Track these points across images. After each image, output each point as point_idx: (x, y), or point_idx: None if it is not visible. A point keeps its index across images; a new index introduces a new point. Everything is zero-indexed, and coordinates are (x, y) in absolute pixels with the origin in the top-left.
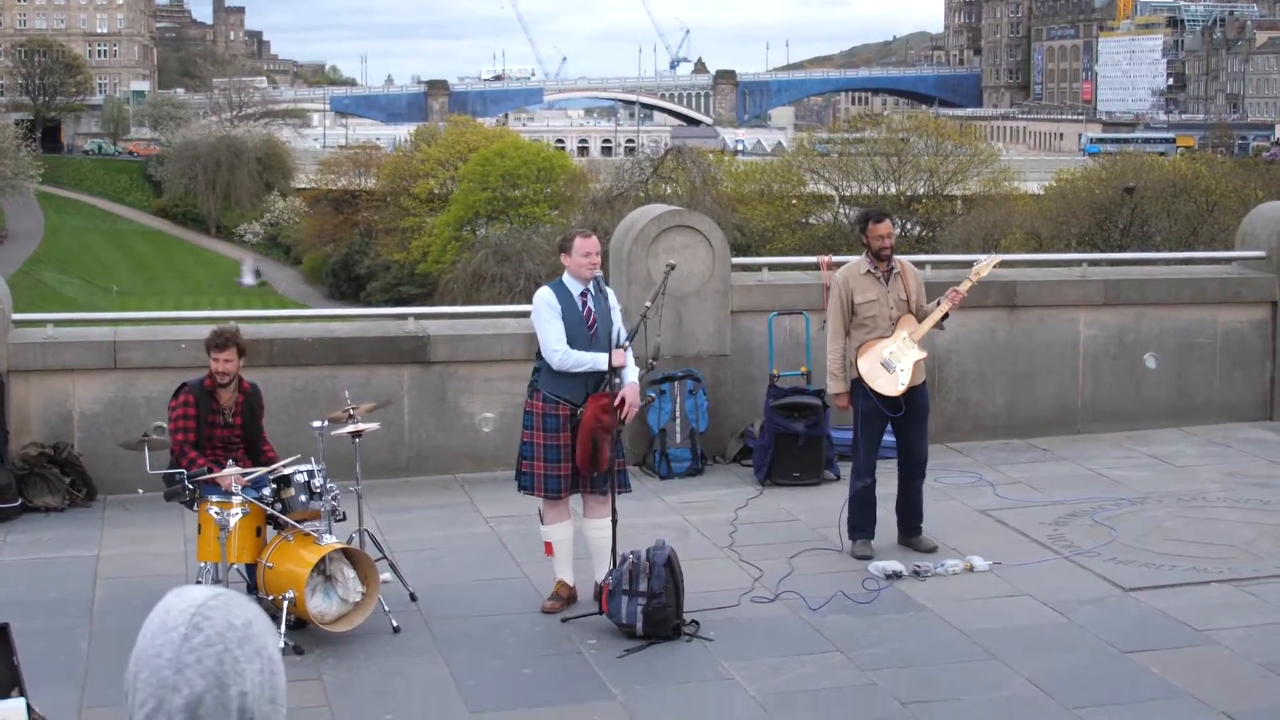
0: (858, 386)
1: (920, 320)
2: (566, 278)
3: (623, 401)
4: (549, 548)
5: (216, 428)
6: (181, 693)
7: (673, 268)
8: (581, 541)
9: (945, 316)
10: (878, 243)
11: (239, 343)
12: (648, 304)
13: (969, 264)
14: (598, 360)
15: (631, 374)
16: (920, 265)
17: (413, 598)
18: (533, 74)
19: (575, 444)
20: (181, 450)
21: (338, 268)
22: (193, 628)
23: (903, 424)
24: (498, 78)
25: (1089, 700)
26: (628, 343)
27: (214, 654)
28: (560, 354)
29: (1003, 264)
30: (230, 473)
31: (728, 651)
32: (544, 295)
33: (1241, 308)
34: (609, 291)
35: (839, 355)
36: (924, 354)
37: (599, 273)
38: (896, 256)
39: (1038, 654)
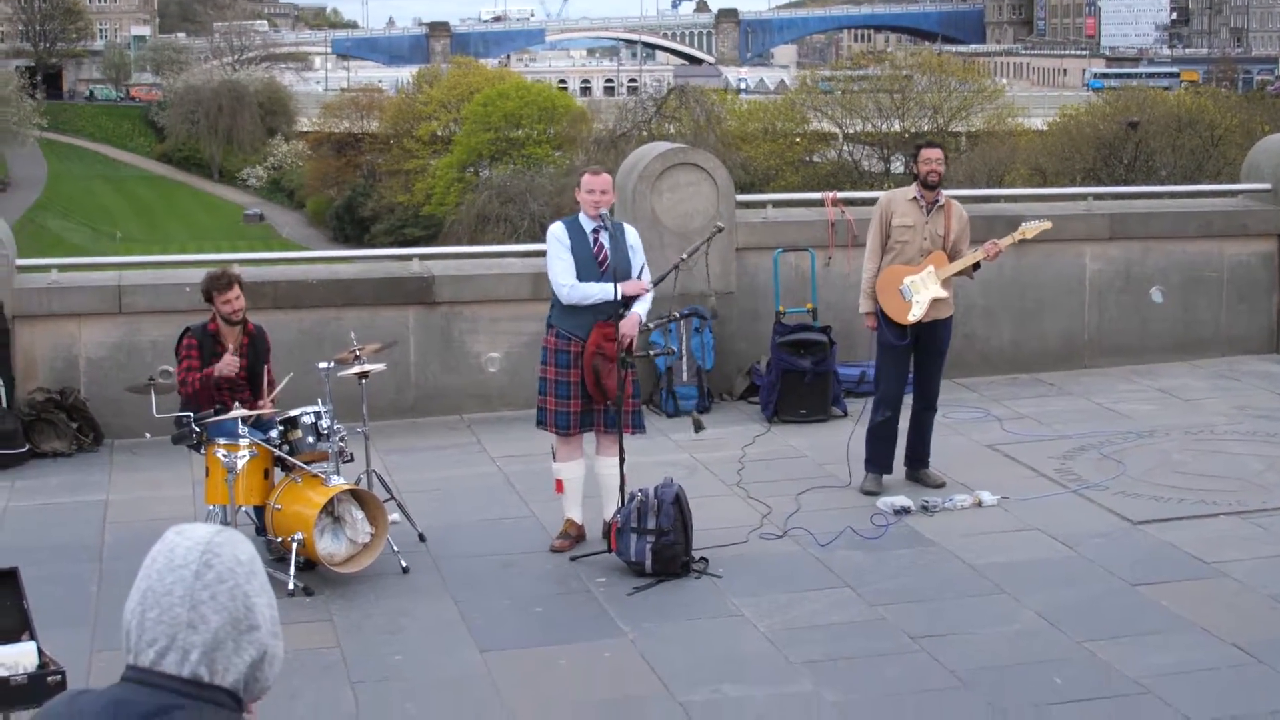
0: (879, 313)
1: (952, 260)
2: (581, 215)
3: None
4: (559, 485)
5: (199, 371)
6: (198, 630)
7: (720, 230)
8: (592, 480)
9: (977, 267)
10: (925, 167)
11: (239, 279)
12: (684, 255)
13: (975, 199)
14: (605, 290)
15: (640, 306)
16: None
17: (421, 538)
18: (532, 14)
19: (585, 380)
20: (183, 380)
21: (341, 211)
22: (204, 564)
23: (919, 358)
24: (497, 19)
25: (1098, 633)
26: (651, 285)
27: (227, 590)
28: (568, 288)
29: (1008, 199)
30: (239, 413)
31: (737, 588)
32: (555, 230)
33: (1248, 240)
34: (628, 229)
35: (872, 274)
36: (945, 294)
37: (605, 211)
38: (948, 194)
39: (1046, 588)
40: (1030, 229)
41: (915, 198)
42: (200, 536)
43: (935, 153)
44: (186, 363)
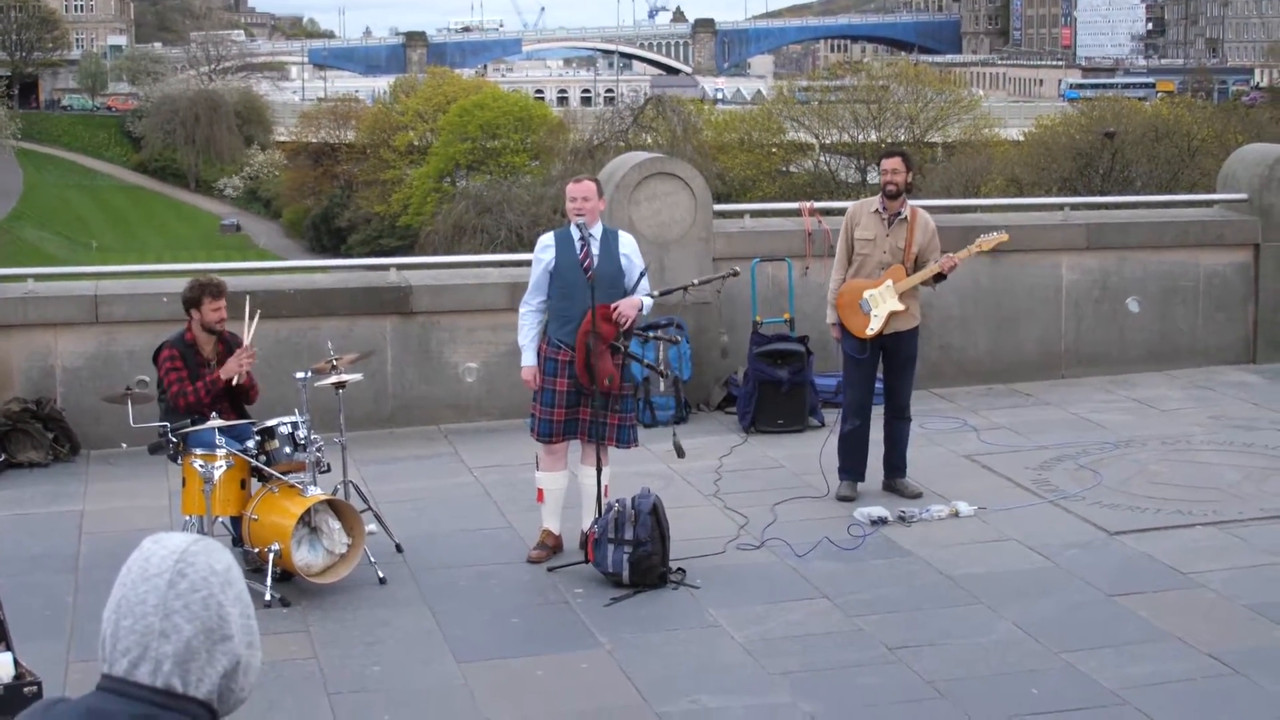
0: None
1: (913, 273)
2: (571, 224)
3: (620, 312)
4: (540, 494)
5: (202, 381)
6: (170, 639)
7: (736, 274)
8: (572, 490)
9: (940, 278)
10: (884, 177)
11: (226, 289)
12: (695, 281)
13: (951, 210)
14: (526, 348)
15: (641, 298)
16: None
17: (398, 549)
18: (502, 24)
19: (574, 390)
20: (181, 391)
21: (318, 221)
22: (177, 574)
23: (887, 369)
24: (466, 29)
25: (1075, 644)
26: (646, 296)
27: (200, 599)
28: (520, 312)
29: (984, 209)
30: (215, 423)
31: (714, 599)
32: (542, 240)
33: (1224, 250)
34: (623, 237)
35: (838, 284)
36: (903, 308)
37: (581, 219)
38: (915, 207)
39: (1024, 598)
40: (987, 241)
41: (878, 209)
42: (175, 545)
43: (893, 162)
44: (174, 374)
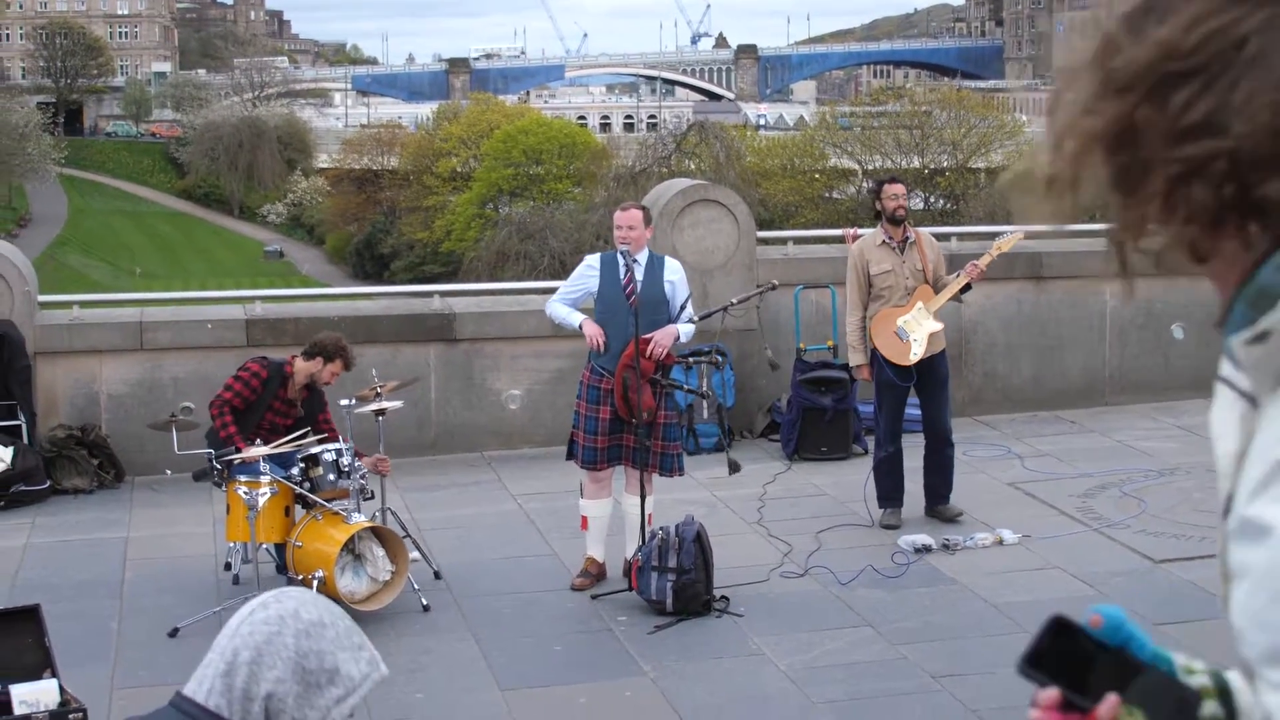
0: (876, 356)
1: (938, 291)
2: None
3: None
4: (584, 522)
5: (270, 412)
6: (225, 657)
7: (774, 286)
8: (615, 517)
9: (966, 289)
10: (891, 203)
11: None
12: (734, 300)
13: (994, 235)
14: (570, 318)
15: (678, 327)
16: (944, 238)
17: (437, 575)
18: (523, 51)
19: (615, 416)
20: (221, 411)
21: (361, 247)
22: (261, 604)
23: (923, 394)
24: (487, 55)
25: None
26: (687, 323)
27: (265, 632)
28: (550, 306)
29: (1029, 236)
30: (257, 451)
31: (758, 627)
32: (588, 260)
33: None
34: (669, 262)
35: (857, 326)
36: (940, 325)
37: (625, 246)
38: (915, 228)
39: None
40: (1005, 242)
41: (885, 240)
42: (287, 589)
43: (898, 187)
44: (239, 386)
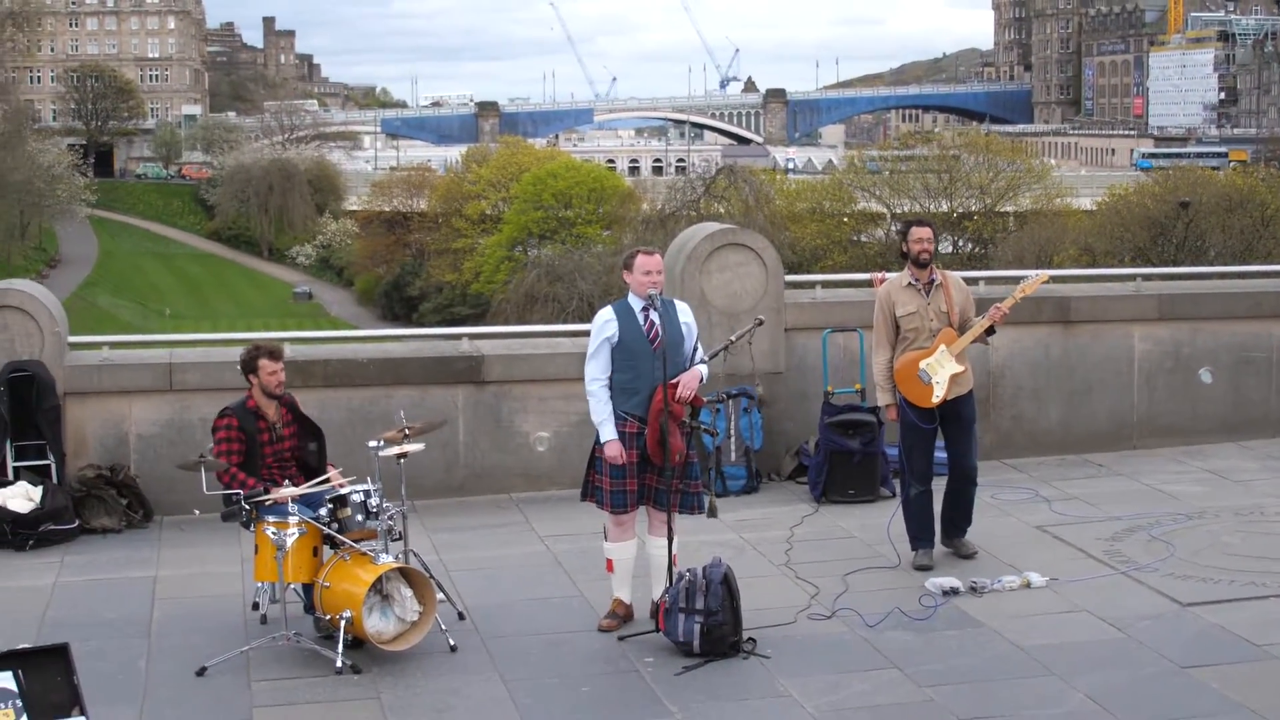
0: (900, 398)
1: (962, 334)
2: (630, 295)
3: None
4: (610, 564)
5: (266, 445)
6: None
7: (761, 323)
8: (641, 559)
9: (990, 332)
10: (917, 246)
11: (283, 351)
12: (732, 339)
13: (1021, 280)
14: (602, 426)
15: (700, 368)
16: (973, 282)
17: (461, 617)
18: (530, 98)
19: (642, 459)
20: (229, 474)
21: (390, 289)
22: None
23: (948, 435)
24: (493, 104)
25: (1148, 716)
26: (702, 364)
27: None
28: (591, 391)
29: (1056, 280)
30: (287, 492)
31: (785, 669)
32: (602, 315)
33: None
34: (680, 305)
35: (884, 367)
36: (962, 368)
37: (654, 291)
38: (942, 270)
39: (1096, 670)
40: (1029, 285)
41: (911, 282)
42: None
43: (925, 231)
44: (225, 445)
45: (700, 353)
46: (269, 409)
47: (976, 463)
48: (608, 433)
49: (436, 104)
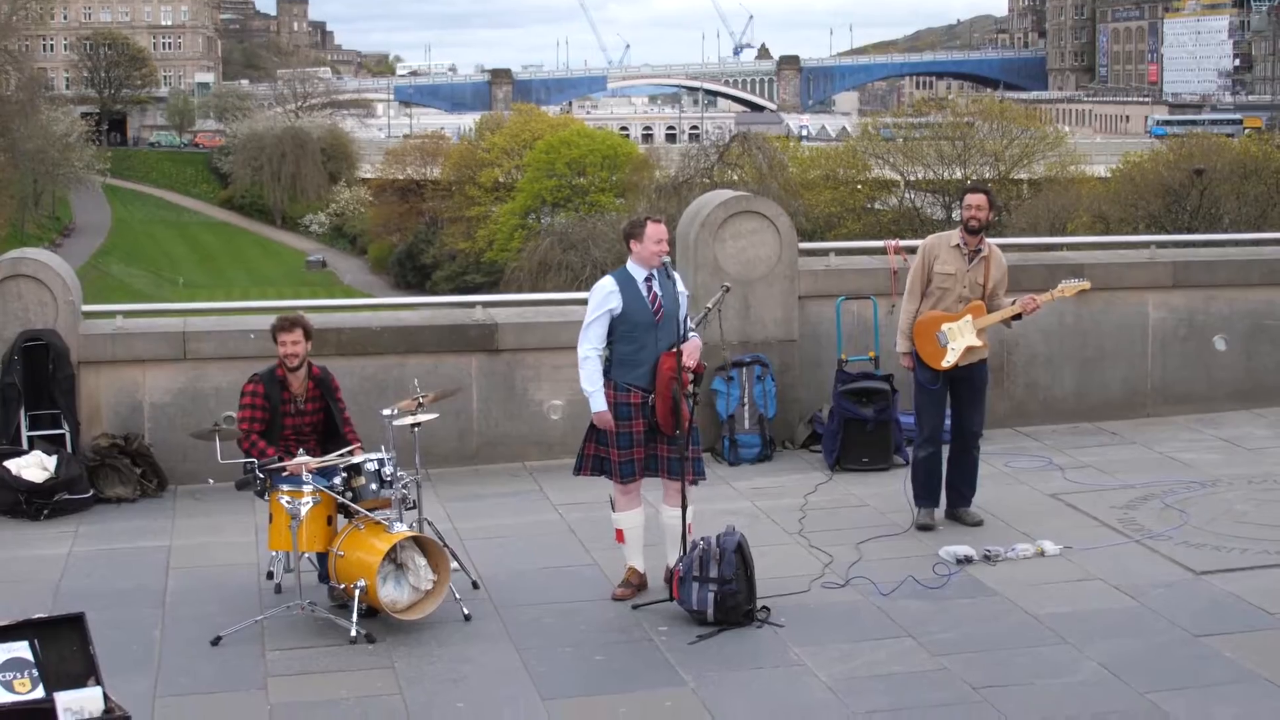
0: (914, 354)
1: (990, 310)
2: (631, 264)
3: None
4: (620, 534)
5: (288, 416)
6: None
7: (728, 289)
8: (654, 528)
9: (1017, 318)
10: (967, 213)
11: (305, 325)
12: (709, 305)
13: (1034, 248)
14: (593, 397)
15: (695, 337)
16: None
17: (475, 585)
18: (543, 65)
19: (649, 429)
20: (249, 440)
21: (403, 257)
22: None
23: (957, 398)
24: (506, 72)
25: (1161, 684)
26: (695, 331)
27: None
28: (584, 360)
29: (1070, 247)
30: (301, 460)
31: (799, 637)
32: (603, 285)
33: None
34: (676, 276)
35: (910, 317)
36: (981, 343)
37: (667, 258)
38: (991, 243)
39: (1109, 638)
40: (1070, 288)
41: (959, 244)
42: None
43: (978, 198)
44: (248, 411)
45: (690, 322)
46: (294, 381)
47: (981, 429)
48: (598, 403)
49: (453, 69)
